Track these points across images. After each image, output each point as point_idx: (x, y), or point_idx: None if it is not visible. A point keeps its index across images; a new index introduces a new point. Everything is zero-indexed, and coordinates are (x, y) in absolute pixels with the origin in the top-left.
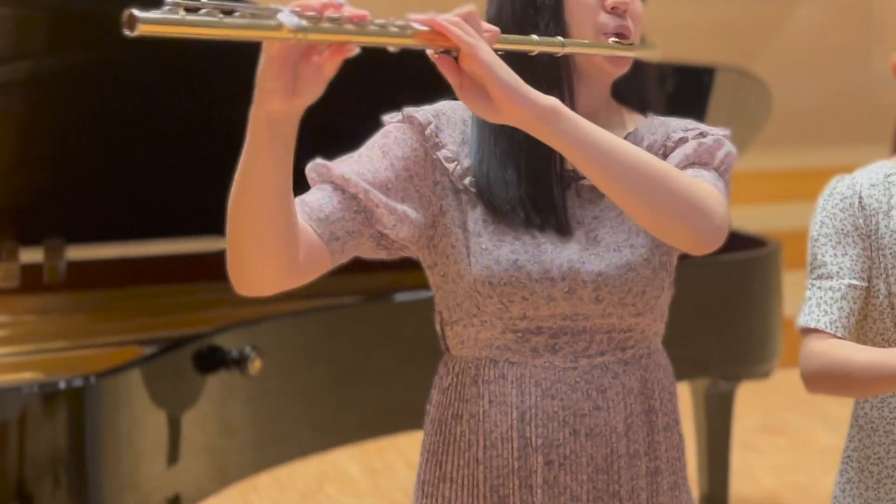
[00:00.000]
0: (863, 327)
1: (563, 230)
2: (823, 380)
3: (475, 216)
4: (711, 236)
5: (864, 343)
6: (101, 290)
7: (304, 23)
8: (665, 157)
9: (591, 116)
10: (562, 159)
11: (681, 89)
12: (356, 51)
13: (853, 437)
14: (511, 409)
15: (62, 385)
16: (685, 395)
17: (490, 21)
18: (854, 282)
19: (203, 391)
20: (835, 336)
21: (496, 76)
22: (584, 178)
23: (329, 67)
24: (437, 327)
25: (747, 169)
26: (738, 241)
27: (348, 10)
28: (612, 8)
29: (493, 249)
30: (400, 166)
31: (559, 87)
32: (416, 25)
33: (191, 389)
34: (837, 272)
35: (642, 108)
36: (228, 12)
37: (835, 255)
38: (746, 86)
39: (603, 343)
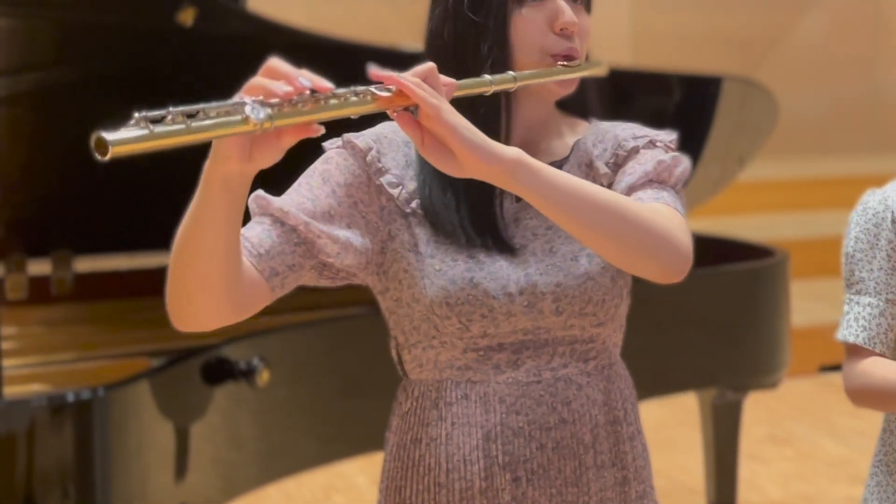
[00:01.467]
0: None
1: (505, 249)
2: (867, 398)
3: (425, 238)
4: (679, 267)
5: None
6: (108, 302)
7: (270, 111)
8: (618, 166)
9: (535, 130)
10: None
11: (687, 100)
12: (321, 131)
13: (885, 440)
14: (475, 430)
15: (70, 397)
16: (692, 406)
17: (429, 39)
18: (891, 297)
19: (211, 403)
20: (873, 352)
21: (460, 136)
22: None
23: (288, 141)
24: (393, 353)
25: (753, 178)
26: (745, 251)
27: (311, 82)
28: (561, 29)
29: (447, 270)
30: (342, 193)
31: (497, 114)
32: (377, 91)
33: (199, 401)
34: (875, 288)
35: (584, 114)
36: (193, 115)
37: (870, 270)
38: (753, 96)
39: (565, 355)
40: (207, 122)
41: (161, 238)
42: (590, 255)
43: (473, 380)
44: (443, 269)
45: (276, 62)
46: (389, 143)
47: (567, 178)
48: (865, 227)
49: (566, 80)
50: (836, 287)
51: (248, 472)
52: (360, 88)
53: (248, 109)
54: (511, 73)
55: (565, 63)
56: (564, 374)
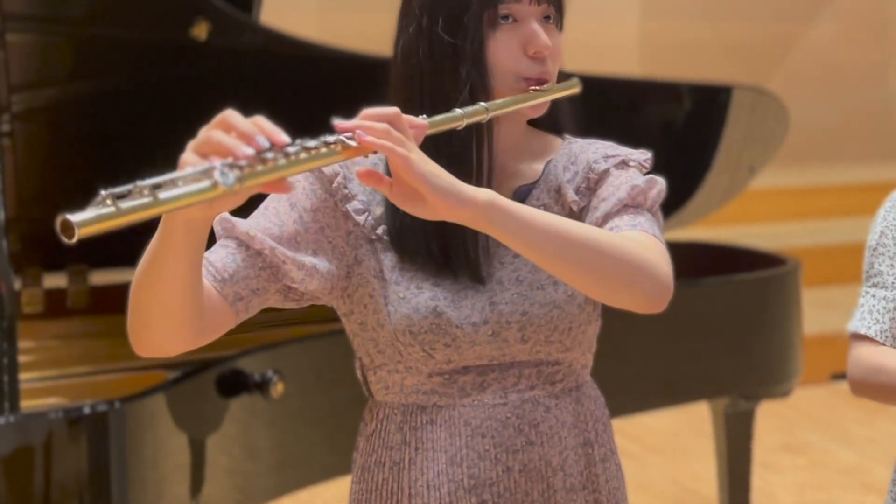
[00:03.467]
0: None
1: (477, 276)
2: (870, 386)
3: (391, 264)
4: (660, 297)
5: None
6: (124, 315)
7: (239, 173)
8: (590, 190)
9: (507, 153)
10: None
11: (698, 109)
12: (291, 189)
13: None
14: (440, 454)
15: (87, 410)
16: (705, 414)
17: (402, 58)
18: None
19: (226, 414)
20: (882, 345)
21: (431, 185)
22: None
23: (253, 191)
24: (358, 373)
25: (762, 186)
26: (756, 260)
27: (268, 138)
28: (535, 53)
29: (410, 298)
30: (309, 218)
31: (471, 146)
32: (347, 141)
33: (214, 413)
34: (892, 283)
35: (557, 130)
36: (160, 185)
37: (892, 265)
38: (763, 104)
39: (532, 377)
40: (175, 192)
41: None
42: (556, 283)
43: (439, 404)
44: (406, 296)
45: (231, 115)
46: (355, 165)
47: (541, 217)
48: (893, 223)
49: (538, 103)
50: (847, 295)
51: (264, 484)
52: (329, 139)
53: (217, 175)
54: (482, 104)
55: (536, 88)
56: (531, 395)
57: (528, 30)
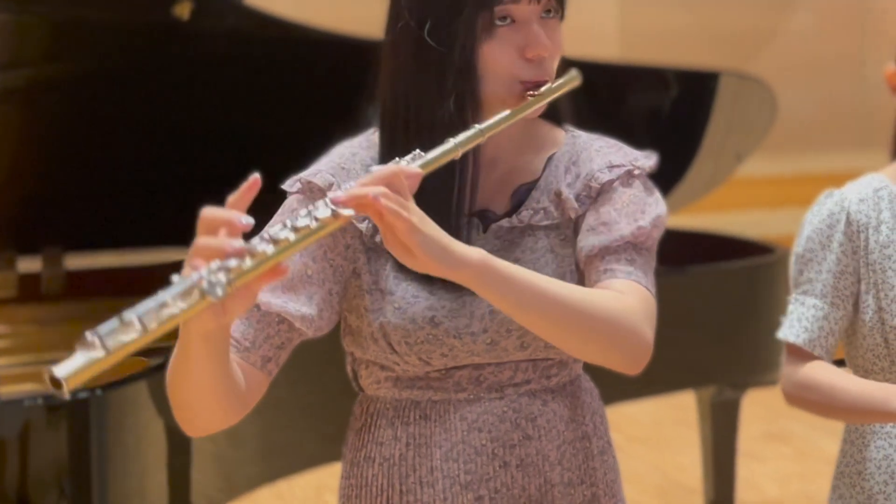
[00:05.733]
0: (852, 343)
1: (460, 288)
2: (805, 400)
3: (386, 273)
4: (640, 360)
5: (854, 359)
6: (100, 300)
7: (225, 278)
8: (590, 199)
9: (506, 148)
10: (471, 205)
11: (684, 95)
12: (287, 273)
13: (845, 452)
14: (434, 450)
15: (67, 397)
16: (688, 404)
17: (388, 53)
18: (837, 301)
19: None
20: (812, 354)
21: (426, 250)
22: (503, 218)
23: (260, 286)
24: (349, 368)
25: (741, 174)
26: (744, 248)
27: (251, 222)
28: (534, 56)
29: (406, 308)
30: (313, 245)
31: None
32: (340, 210)
33: None
34: (822, 290)
35: (557, 119)
36: (145, 313)
37: (819, 272)
38: (750, 91)
39: (528, 371)
40: (164, 313)
41: (153, 235)
42: None
43: (434, 399)
44: (402, 306)
45: (208, 212)
46: (348, 172)
47: (530, 279)
48: (819, 227)
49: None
50: None
51: (250, 471)
52: (320, 214)
53: (204, 285)
54: (477, 126)
55: (533, 93)
56: (528, 389)
57: (528, 32)
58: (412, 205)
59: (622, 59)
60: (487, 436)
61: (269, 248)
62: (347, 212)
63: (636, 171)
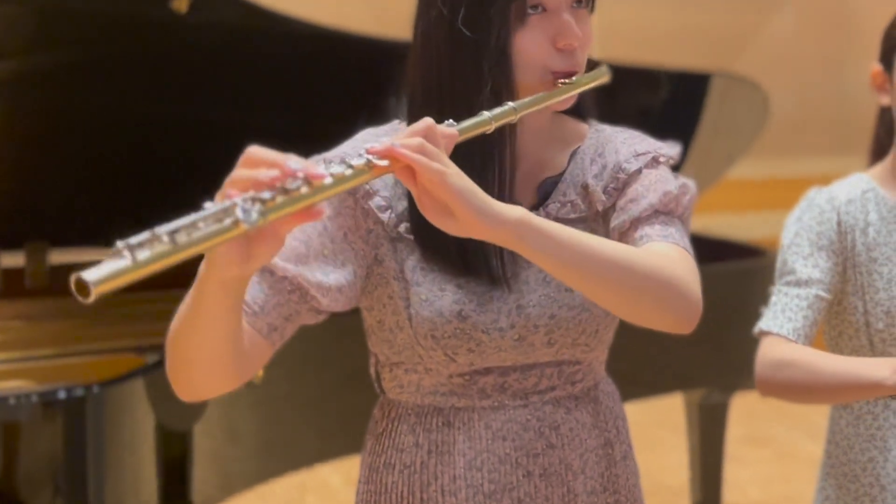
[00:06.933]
0: (838, 344)
1: (497, 281)
2: (782, 383)
3: (412, 264)
4: (690, 318)
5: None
6: None
7: (262, 207)
8: (618, 191)
9: (533, 141)
10: (504, 198)
11: (674, 96)
12: (323, 214)
13: (830, 453)
14: (457, 458)
15: (62, 394)
16: (672, 406)
17: (420, 51)
18: (821, 293)
19: (209, 398)
20: (795, 343)
21: (464, 202)
22: (530, 212)
23: (288, 229)
24: (371, 370)
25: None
26: (734, 251)
27: (303, 169)
28: (565, 45)
29: (434, 300)
30: (333, 226)
31: (500, 145)
32: (374, 161)
33: None
34: (806, 281)
35: (581, 114)
36: (178, 230)
37: (805, 264)
38: (742, 91)
39: (553, 377)
40: (196, 234)
41: (139, 230)
42: None
43: (458, 406)
44: (430, 298)
45: (255, 150)
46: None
47: (573, 235)
48: (808, 223)
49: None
50: None
51: (248, 468)
52: (355, 161)
53: (238, 212)
54: (510, 104)
55: (565, 81)
56: (552, 397)
57: (560, 21)
58: (448, 160)
59: (604, 59)
60: (511, 444)
61: (304, 189)
62: (382, 162)
63: (661, 158)
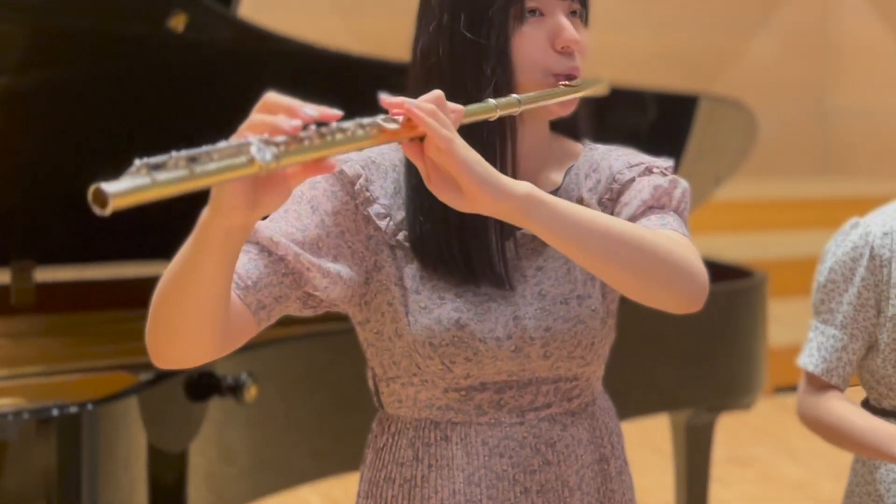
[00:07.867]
0: (868, 369)
1: (502, 285)
2: (819, 429)
3: (412, 272)
4: (697, 296)
5: (867, 383)
6: (71, 314)
7: (277, 150)
8: (614, 201)
9: (533, 156)
10: None
11: (662, 117)
12: (335, 168)
13: (856, 472)
14: (456, 473)
15: (55, 412)
16: (653, 427)
17: (421, 57)
18: (856, 333)
19: (203, 417)
20: (829, 383)
21: (471, 172)
22: (523, 228)
23: (296, 182)
24: (370, 383)
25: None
26: (723, 271)
27: (317, 111)
28: (563, 47)
29: (433, 308)
30: (331, 222)
31: (501, 140)
32: (384, 124)
33: (190, 415)
34: (841, 322)
35: (575, 134)
36: (195, 158)
37: (840, 302)
38: (729, 114)
39: (549, 394)
40: (212, 165)
41: (124, 249)
42: (580, 297)
43: (454, 420)
44: (428, 306)
45: (273, 96)
46: (378, 168)
47: (580, 211)
48: (842, 259)
49: (568, 100)
50: (785, 308)
51: (241, 486)
52: (366, 121)
53: (253, 150)
54: (515, 96)
55: (567, 83)
56: (548, 414)
57: (556, 23)
58: (457, 134)
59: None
60: (508, 461)
61: (316, 140)
62: (392, 126)
63: (654, 168)
